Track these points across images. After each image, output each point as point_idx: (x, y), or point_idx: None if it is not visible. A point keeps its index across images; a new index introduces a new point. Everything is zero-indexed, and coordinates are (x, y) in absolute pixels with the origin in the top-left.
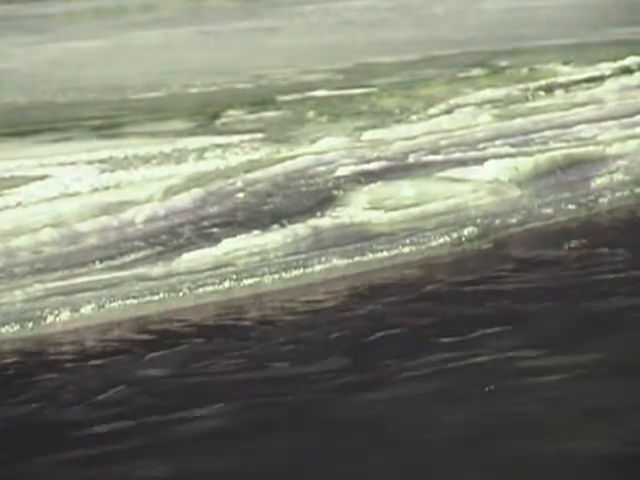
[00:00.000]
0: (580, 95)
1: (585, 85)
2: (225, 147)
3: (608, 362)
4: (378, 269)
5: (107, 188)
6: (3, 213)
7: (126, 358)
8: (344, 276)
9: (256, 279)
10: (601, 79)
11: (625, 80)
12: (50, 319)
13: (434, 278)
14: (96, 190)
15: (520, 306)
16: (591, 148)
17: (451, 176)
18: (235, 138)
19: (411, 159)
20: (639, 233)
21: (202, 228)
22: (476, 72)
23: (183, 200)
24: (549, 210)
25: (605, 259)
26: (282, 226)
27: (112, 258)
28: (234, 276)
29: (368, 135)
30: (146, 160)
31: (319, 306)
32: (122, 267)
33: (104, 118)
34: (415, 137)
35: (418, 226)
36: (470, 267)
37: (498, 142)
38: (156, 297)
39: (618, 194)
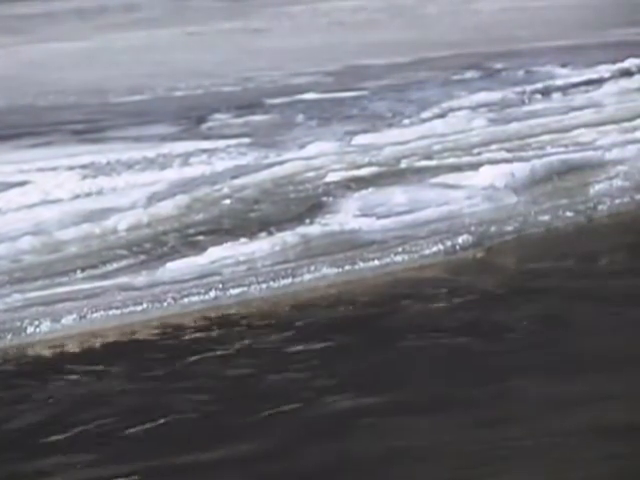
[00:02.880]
0: (578, 98)
1: (583, 88)
2: (211, 152)
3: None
4: (369, 278)
5: (89, 194)
6: None
7: (109, 370)
8: (334, 285)
9: (243, 289)
10: (600, 82)
11: (625, 83)
12: (30, 330)
13: (427, 287)
14: (77, 197)
15: (516, 316)
16: (590, 153)
17: (445, 182)
18: (221, 143)
19: (403, 164)
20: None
21: (187, 236)
22: (470, 74)
23: (167, 207)
24: (546, 217)
25: (604, 267)
26: (270, 234)
27: (94, 267)
28: (220, 285)
29: (359, 140)
30: (129, 166)
31: (308, 316)
32: (104, 276)
33: (86, 122)
34: (407, 142)
35: (411, 234)
36: (464, 276)
37: (493, 147)
38: (139, 307)
39: (618, 201)
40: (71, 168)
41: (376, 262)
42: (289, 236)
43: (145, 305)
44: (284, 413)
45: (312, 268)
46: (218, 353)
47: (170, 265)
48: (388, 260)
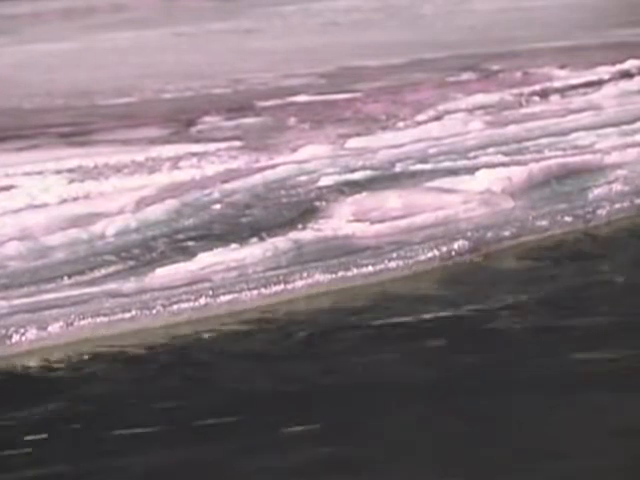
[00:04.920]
0: (577, 101)
1: (582, 90)
2: (201, 156)
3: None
4: (363, 285)
5: (76, 199)
6: None
7: (97, 379)
8: (327, 292)
9: (234, 295)
10: (599, 84)
11: (624, 85)
12: (16, 338)
13: (422, 294)
14: (64, 201)
15: (513, 324)
16: (588, 157)
17: (440, 186)
18: (211, 146)
19: (398, 168)
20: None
21: (177, 241)
22: (467, 76)
23: (156, 212)
24: (544, 222)
25: (604, 274)
26: (261, 239)
27: (81, 273)
28: (210, 292)
29: (352, 143)
30: (117, 169)
31: (300, 323)
32: (92, 283)
33: (73, 125)
34: (402, 145)
35: (405, 239)
36: (460, 283)
37: (490, 150)
38: (128, 314)
39: (617, 205)
40: (58, 172)
41: (370, 268)
42: (281, 242)
43: (134, 312)
44: (276, 420)
45: (305, 274)
46: (209, 361)
47: (159, 271)
48: (382, 266)
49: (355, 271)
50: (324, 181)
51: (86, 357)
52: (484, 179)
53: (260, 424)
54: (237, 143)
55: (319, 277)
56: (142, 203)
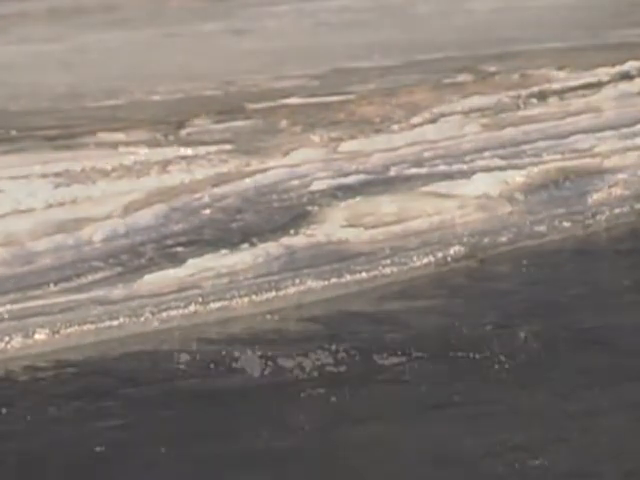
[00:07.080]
0: (576, 103)
1: (581, 92)
2: (191, 159)
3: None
4: (357, 292)
5: (63, 204)
6: None
7: (85, 388)
8: (320, 299)
9: (224, 302)
10: (598, 85)
11: (624, 87)
12: (1, 345)
13: (417, 301)
14: (51, 206)
15: (510, 331)
16: (588, 160)
17: (436, 191)
18: (201, 149)
19: (392, 172)
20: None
21: (166, 247)
22: (463, 78)
23: (145, 217)
24: (542, 228)
25: (603, 280)
26: (252, 245)
27: (68, 279)
28: (200, 299)
29: (345, 146)
30: (105, 173)
31: (293, 331)
32: (79, 289)
33: (59, 128)
34: (397, 148)
35: (400, 245)
36: (456, 289)
37: (487, 154)
38: (116, 322)
39: (617, 210)
40: (44, 176)
41: (364, 274)
42: (272, 247)
43: (122, 319)
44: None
45: (297, 281)
46: (199, 370)
47: (148, 277)
48: (376, 272)
49: (348, 277)
50: (317, 185)
51: (73, 365)
52: (481, 183)
53: None
54: (228, 146)
55: (311, 284)
56: (130, 208)
